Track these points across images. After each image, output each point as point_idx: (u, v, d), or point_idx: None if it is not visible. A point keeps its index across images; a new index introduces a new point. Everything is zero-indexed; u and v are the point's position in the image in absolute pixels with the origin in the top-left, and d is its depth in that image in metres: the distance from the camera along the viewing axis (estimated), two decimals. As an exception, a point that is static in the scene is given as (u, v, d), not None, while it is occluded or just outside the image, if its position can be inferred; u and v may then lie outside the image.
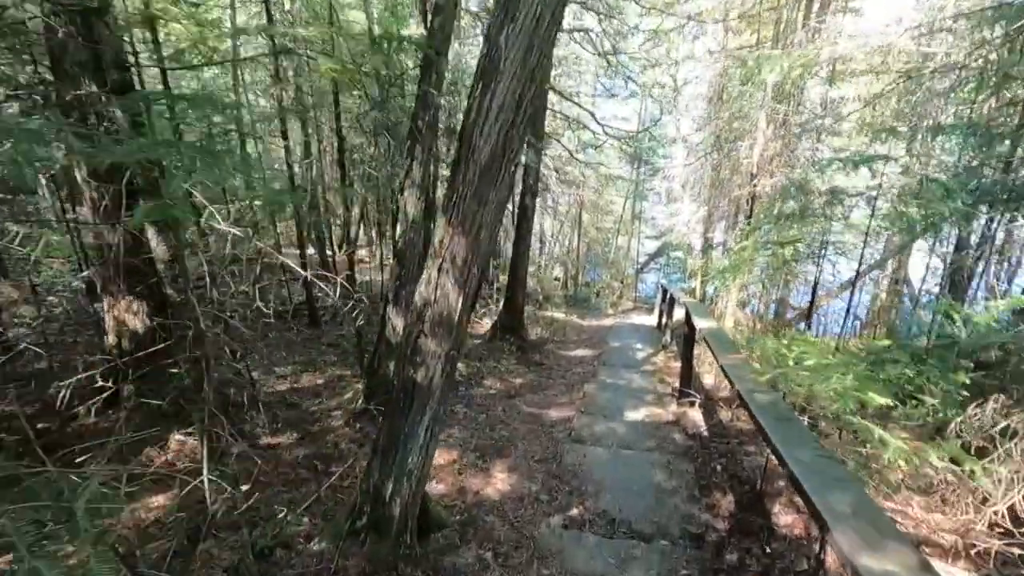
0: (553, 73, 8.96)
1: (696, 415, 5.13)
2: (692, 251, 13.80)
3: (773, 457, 2.03)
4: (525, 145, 8.52)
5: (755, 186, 7.51)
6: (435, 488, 3.32)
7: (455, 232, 1.86)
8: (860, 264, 5.02)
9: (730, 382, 2.54)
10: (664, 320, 11.09)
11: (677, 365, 7.73)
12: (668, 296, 9.85)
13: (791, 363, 2.57)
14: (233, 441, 3.06)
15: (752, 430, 4.93)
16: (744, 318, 8.87)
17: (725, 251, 10.99)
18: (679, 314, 11.82)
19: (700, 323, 4.18)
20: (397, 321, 3.99)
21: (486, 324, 8.53)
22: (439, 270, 1.93)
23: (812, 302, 8.02)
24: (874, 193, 5.53)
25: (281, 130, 6.77)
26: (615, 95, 16.57)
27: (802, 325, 9.21)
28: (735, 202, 11.20)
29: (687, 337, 5.23)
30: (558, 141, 8.73)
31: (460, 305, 1.97)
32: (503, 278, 9.21)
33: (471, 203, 1.82)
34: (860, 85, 7.88)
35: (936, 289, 6.99)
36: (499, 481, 3.57)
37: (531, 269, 14.10)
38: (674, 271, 22.77)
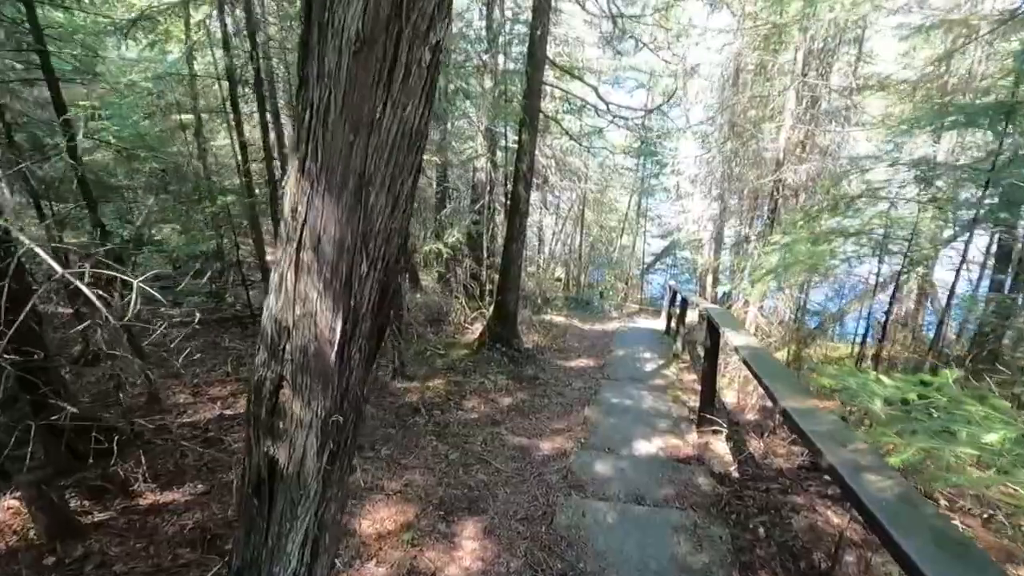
0: (553, 51, 8.05)
1: (722, 447, 4.19)
2: (702, 250, 12.84)
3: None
4: (515, 121, 7.57)
5: (781, 175, 6.56)
6: (372, 573, 2.39)
7: (315, 190, 0.95)
8: (907, 260, 4.07)
9: (808, 444, 1.62)
10: (674, 325, 10.14)
11: (692, 378, 6.78)
12: (680, 299, 8.91)
13: (902, 405, 1.65)
14: (88, 505, 2.14)
15: (794, 468, 3.99)
16: (764, 323, 7.91)
17: (741, 250, 10.00)
18: (692, 317, 10.88)
19: (734, 338, 3.24)
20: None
21: (477, 330, 7.61)
22: (295, 267, 1.03)
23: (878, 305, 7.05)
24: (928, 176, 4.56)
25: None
26: (620, 84, 15.64)
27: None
28: (751, 196, 10.23)
29: (709, 351, 4.29)
30: (555, 121, 7.78)
31: (341, 331, 1.06)
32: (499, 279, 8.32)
33: (339, 127, 0.90)
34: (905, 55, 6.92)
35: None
36: (467, 554, 2.63)
37: (531, 269, 13.20)
38: (681, 271, 21.78)
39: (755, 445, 4.41)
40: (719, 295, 12.90)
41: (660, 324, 12.81)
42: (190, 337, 5.22)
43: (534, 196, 9.90)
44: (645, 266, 20.99)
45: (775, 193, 6.75)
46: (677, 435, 4.35)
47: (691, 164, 12.57)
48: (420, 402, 4.68)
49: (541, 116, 8.41)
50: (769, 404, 5.57)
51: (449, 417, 4.48)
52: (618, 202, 20.86)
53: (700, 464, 3.86)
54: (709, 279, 13.54)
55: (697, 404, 5.40)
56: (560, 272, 20.74)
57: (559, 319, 11.60)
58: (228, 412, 3.95)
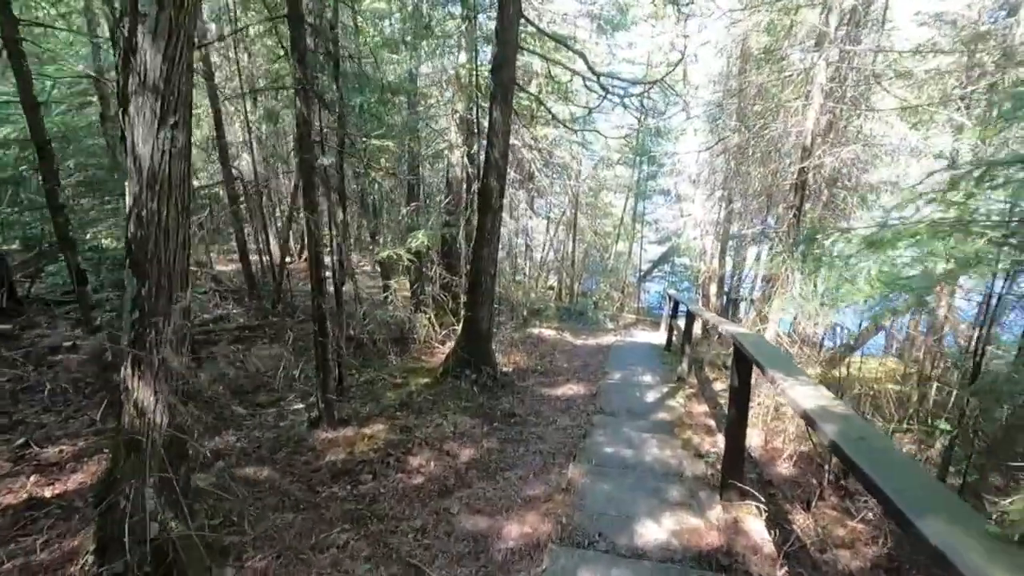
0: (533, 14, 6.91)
1: (757, 528, 3.00)
2: (704, 256, 11.73)
3: None
4: (484, 98, 6.37)
5: (810, 162, 5.44)
6: None
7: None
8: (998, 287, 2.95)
9: None
10: (676, 339, 8.99)
11: (703, 409, 5.61)
12: (684, 311, 7.75)
13: None
14: None
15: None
16: (787, 342, 6.76)
17: (754, 255, 8.90)
18: (697, 330, 9.74)
19: (794, 390, 2.07)
20: (144, 396, 1.90)
21: (448, 350, 6.41)
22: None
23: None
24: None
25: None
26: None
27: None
28: (763, 194, 9.13)
29: (737, 394, 3.12)
30: (538, 102, 6.63)
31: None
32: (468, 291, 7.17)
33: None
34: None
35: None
36: None
37: (518, 279, 12.03)
38: (680, 279, 20.68)
39: (801, 522, 3.23)
40: (724, 305, 11.75)
41: (659, 337, 11.67)
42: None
43: (519, 196, 8.76)
44: (642, 273, 19.89)
45: (799, 188, 5.63)
46: (695, 510, 3.16)
47: (692, 163, 11.50)
48: (346, 461, 3.47)
49: (525, 100, 7.29)
50: (805, 448, 4.42)
51: (382, 485, 3.27)
52: (613, 206, 19.78)
53: (731, 562, 2.67)
54: (712, 287, 12.42)
55: (714, 449, 4.24)
56: (553, 281, 19.61)
57: (548, 332, 10.43)
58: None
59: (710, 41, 9.88)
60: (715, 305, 11.01)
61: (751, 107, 9.16)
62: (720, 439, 4.33)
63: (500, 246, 6.57)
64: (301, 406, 4.49)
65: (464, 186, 7.94)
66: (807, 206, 5.84)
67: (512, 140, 6.77)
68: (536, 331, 10.39)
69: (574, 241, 15.32)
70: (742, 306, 11.25)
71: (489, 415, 4.73)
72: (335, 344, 4.24)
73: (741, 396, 3.07)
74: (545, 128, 7.69)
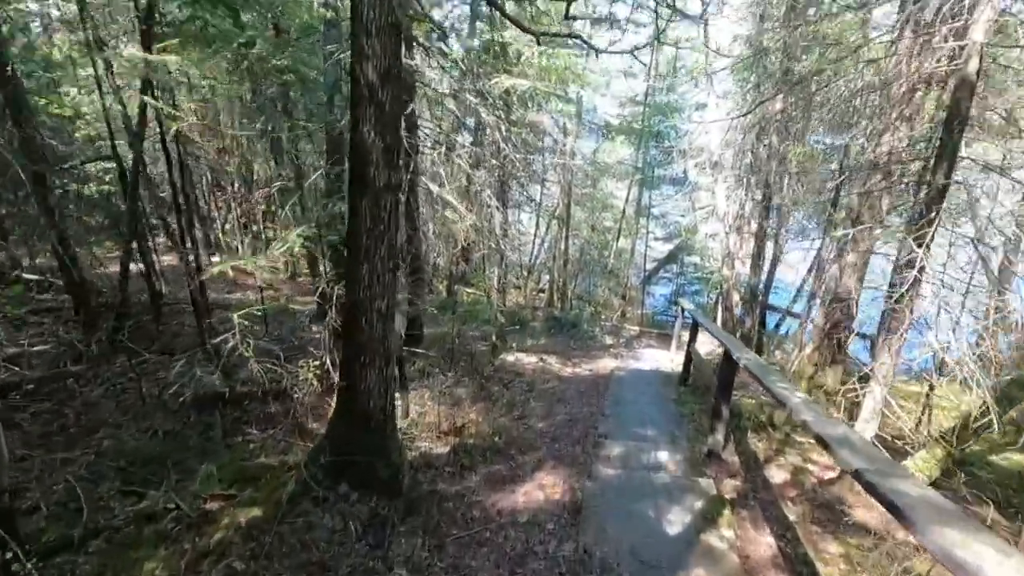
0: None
1: None
2: (730, 260, 9.24)
3: None
4: None
5: (965, 117, 2.96)
6: None
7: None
8: None
9: None
10: (694, 363, 6.61)
11: (766, 544, 3.20)
12: (723, 352, 5.36)
13: None
14: None
15: None
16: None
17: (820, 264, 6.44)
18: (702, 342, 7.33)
19: None
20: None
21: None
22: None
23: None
24: None
25: None
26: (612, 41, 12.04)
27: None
28: (823, 179, 6.67)
29: None
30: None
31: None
32: (343, 334, 4.85)
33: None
34: None
35: None
36: None
37: (494, 283, 9.58)
38: (690, 280, 18.17)
39: None
40: (755, 325, 9.24)
41: (669, 357, 9.24)
42: None
43: (482, 178, 6.28)
44: (646, 274, 17.39)
45: (943, 153, 3.15)
46: None
47: (715, 140, 8.97)
48: None
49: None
50: None
51: None
52: (615, 197, 17.24)
53: None
54: (735, 298, 9.92)
55: None
56: (546, 281, 17.12)
57: (528, 360, 7.99)
58: None
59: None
60: (748, 327, 8.54)
61: (802, 58, 6.66)
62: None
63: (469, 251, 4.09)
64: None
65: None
66: (956, 176, 3.40)
67: (450, 86, 4.34)
68: (512, 358, 7.95)
69: (566, 238, 12.84)
70: (785, 326, 8.82)
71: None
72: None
73: None
74: (510, 78, 5.20)
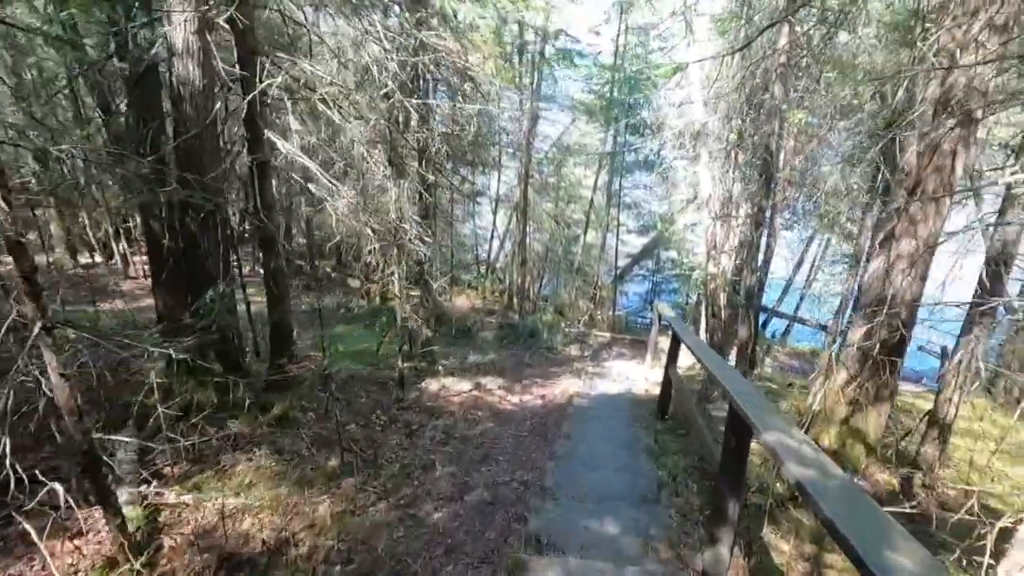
0: None
1: None
2: (716, 254, 7.44)
3: None
4: None
5: None
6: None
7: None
8: None
9: None
10: (674, 385, 4.79)
11: None
12: (728, 414, 3.48)
13: None
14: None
15: None
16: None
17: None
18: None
19: None
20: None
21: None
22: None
23: None
24: None
25: None
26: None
27: None
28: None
29: None
30: None
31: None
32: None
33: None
34: None
35: None
36: None
37: (395, 286, 7.58)
38: (667, 278, 16.49)
39: None
40: (750, 335, 7.45)
41: (643, 374, 7.45)
42: None
43: (366, 136, 4.25)
44: (619, 271, 15.60)
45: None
46: None
47: (697, 98, 7.13)
48: None
49: None
50: None
51: None
52: (583, 187, 15.40)
53: None
54: (722, 298, 8.11)
55: None
56: (507, 279, 15.17)
57: (460, 387, 6.02)
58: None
59: None
60: (742, 338, 6.75)
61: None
62: None
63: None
64: None
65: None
66: None
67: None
68: (438, 384, 5.97)
69: (523, 231, 10.89)
70: (772, 326, 7.02)
71: None
72: None
73: None
74: None
